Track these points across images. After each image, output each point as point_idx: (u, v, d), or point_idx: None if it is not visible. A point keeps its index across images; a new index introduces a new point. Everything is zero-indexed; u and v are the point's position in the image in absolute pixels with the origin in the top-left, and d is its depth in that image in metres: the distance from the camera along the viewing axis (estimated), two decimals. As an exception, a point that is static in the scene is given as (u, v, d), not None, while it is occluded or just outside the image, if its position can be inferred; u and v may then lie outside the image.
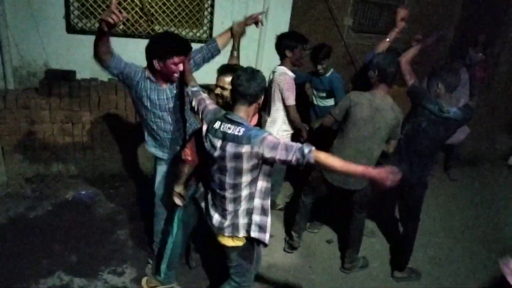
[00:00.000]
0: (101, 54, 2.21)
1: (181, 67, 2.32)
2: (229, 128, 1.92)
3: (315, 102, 3.95)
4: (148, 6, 4.06)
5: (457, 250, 3.71)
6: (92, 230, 3.21)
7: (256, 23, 2.84)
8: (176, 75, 2.35)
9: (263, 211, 2.08)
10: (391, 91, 2.86)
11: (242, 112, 1.97)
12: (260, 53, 4.60)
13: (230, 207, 2.05)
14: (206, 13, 4.33)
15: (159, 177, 2.65)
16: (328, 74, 3.71)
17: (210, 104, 2.14)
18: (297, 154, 1.81)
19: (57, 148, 3.80)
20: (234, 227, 2.08)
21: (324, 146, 3.01)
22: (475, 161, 5.67)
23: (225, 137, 1.92)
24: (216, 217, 2.13)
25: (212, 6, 4.28)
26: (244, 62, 4.53)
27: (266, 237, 2.11)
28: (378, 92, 2.76)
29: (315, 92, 3.90)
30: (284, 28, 4.61)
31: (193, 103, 2.21)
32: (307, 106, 4.09)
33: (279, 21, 4.58)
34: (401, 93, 5.11)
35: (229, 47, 2.86)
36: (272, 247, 3.15)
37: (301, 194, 3.24)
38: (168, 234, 2.47)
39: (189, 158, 2.26)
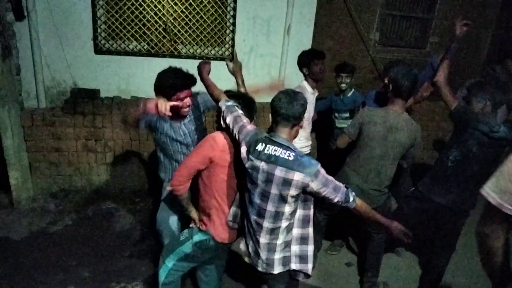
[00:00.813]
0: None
1: (188, 101, 2.34)
2: (275, 151, 1.83)
3: (336, 125, 3.83)
4: (171, 26, 4.17)
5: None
6: (108, 246, 3.25)
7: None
8: (185, 109, 2.36)
9: (303, 240, 1.99)
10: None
11: (285, 134, 1.89)
12: (282, 71, 4.56)
13: (264, 238, 1.93)
14: (228, 31, 4.37)
15: (162, 201, 2.66)
16: (349, 94, 3.67)
17: (248, 124, 2.00)
18: (342, 197, 1.89)
19: (81, 164, 3.92)
20: (269, 263, 1.97)
21: (338, 164, 2.89)
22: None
23: (272, 160, 1.82)
24: (251, 248, 2.03)
25: (233, 24, 4.32)
26: (266, 80, 4.53)
27: (309, 267, 2.01)
28: (393, 108, 2.58)
29: (337, 114, 3.78)
30: (307, 44, 4.56)
31: (228, 119, 2.03)
32: (332, 130, 3.95)
33: (302, 38, 4.53)
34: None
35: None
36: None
37: (315, 210, 3.11)
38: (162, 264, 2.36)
39: (178, 189, 2.09)
